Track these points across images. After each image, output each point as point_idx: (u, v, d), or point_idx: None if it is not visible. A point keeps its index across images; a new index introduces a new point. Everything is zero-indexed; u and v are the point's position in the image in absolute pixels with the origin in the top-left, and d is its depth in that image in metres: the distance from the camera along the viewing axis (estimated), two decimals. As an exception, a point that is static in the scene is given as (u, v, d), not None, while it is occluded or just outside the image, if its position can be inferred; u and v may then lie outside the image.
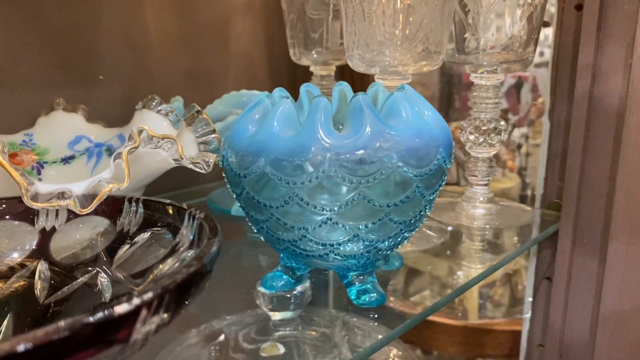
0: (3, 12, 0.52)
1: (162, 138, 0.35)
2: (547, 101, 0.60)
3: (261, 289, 0.42)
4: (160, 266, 0.26)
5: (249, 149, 0.35)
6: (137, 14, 0.62)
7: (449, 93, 1.60)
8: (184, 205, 0.30)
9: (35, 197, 0.30)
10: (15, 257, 0.31)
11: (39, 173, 0.49)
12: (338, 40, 0.68)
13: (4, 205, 0.31)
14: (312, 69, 0.71)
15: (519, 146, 1.53)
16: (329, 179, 0.33)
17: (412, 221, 0.37)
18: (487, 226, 0.55)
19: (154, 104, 0.50)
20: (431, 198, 0.37)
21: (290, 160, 0.33)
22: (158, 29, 0.64)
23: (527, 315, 0.68)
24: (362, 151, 0.33)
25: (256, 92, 0.70)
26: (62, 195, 0.31)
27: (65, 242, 0.34)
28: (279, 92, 0.42)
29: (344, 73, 0.74)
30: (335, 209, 0.34)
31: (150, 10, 0.63)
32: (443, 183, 0.38)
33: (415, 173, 0.34)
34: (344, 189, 0.33)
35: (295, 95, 0.79)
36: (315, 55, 0.68)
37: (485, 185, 0.57)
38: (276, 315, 0.42)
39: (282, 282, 0.40)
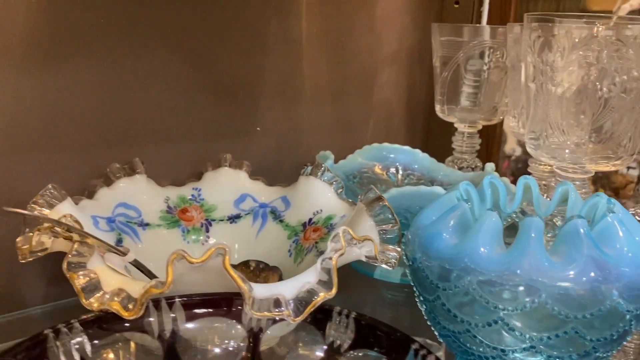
0: (181, 68, 0.54)
1: (362, 240, 0.35)
2: None
3: None
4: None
5: (453, 262, 0.34)
6: (294, 67, 0.63)
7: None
8: (399, 332, 0.30)
9: (253, 304, 0.31)
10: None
11: (207, 230, 0.51)
12: (491, 102, 0.66)
13: (224, 308, 0.31)
14: (457, 125, 0.69)
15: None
16: (542, 309, 0.31)
17: (613, 352, 0.35)
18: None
19: (320, 172, 0.50)
20: (636, 329, 0.35)
21: (503, 285, 0.32)
22: (311, 81, 0.65)
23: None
24: (582, 286, 0.31)
25: (397, 147, 0.69)
26: (277, 303, 0.31)
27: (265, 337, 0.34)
28: (466, 187, 0.41)
29: (484, 132, 0.71)
30: (543, 339, 0.32)
31: (306, 63, 0.63)
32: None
33: (631, 308, 0.32)
34: (556, 321, 0.32)
35: (432, 148, 0.78)
36: (464, 114, 0.67)
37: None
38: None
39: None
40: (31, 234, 0.34)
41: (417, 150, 0.69)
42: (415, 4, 0.73)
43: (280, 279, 0.46)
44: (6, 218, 0.46)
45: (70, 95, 0.48)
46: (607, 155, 0.44)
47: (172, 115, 0.54)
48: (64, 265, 0.31)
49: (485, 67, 0.64)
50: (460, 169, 0.69)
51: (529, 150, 0.47)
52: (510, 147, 0.85)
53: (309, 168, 0.51)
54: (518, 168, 1.41)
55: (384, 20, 0.70)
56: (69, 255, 0.31)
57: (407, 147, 0.69)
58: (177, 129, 0.55)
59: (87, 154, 0.50)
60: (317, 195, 0.49)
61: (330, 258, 0.33)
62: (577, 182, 0.46)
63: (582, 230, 0.32)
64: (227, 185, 0.52)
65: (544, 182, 0.59)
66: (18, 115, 0.46)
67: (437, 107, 0.69)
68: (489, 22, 0.75)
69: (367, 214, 0.42)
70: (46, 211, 0.39)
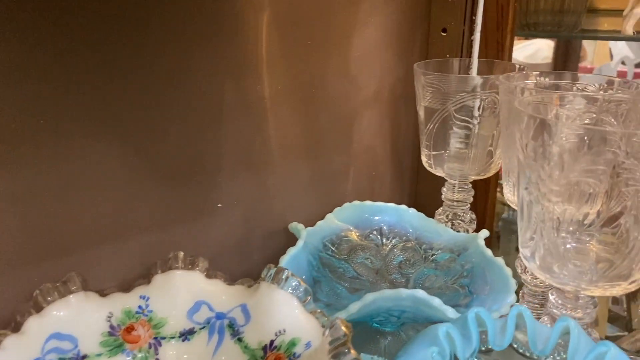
0: (121, 157, 0.47)
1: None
2: None
3: None
4: None
5: None
6: (258, 130, 0.55)
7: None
8: None
9: None
10: None
11: (156, 352, 0.45)
12: (483, 155, 0.58)
13: None
14: (446, 177, 0.62)
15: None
16: None
17: None
18: None
19: (283, 279, 0.44)
20: None
21: None
22: (279, 141, 0.57)
23: None
24: None
25: (380, 205, 0.62)
26: None
27: None
28: (446, 331, 0.35)
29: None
30: None
31: (272, 122, 0.56)
32: None
33: None
34: None
35: (422, 195, 0.70)
36: (453, 169, 0.59)
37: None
38: None
39: None
40: None
41: (403, 207, 0.62)
42: (396, 36, 0.64)
43: (238, 421, 0.40)
44: None
45: (-13, 212, 0.41)
46: (613, 285, 0.36)
47: (116, 210, 0.48)
48: None
49: (476, 122, 0.56)
50: (452, 224, 0.62)
51: (523, 260, 0.40)
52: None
53: (272, 271, 0.44)
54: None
55: (361, 61, 0.62)
56: None
57: (391, 205, 0.62)
58: (122, 224, 0.48)
59: (16, 274, 0.43)
60: (280, 309, 0.43)
61: None
62: (580, 301, 0.39)
63: None
64: (179, 292, 0.46)
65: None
66: None
67: (423, 159, 0.62)
68: (482, 47, 0.67)
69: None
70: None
